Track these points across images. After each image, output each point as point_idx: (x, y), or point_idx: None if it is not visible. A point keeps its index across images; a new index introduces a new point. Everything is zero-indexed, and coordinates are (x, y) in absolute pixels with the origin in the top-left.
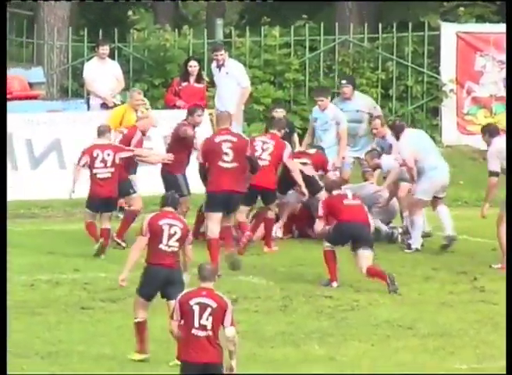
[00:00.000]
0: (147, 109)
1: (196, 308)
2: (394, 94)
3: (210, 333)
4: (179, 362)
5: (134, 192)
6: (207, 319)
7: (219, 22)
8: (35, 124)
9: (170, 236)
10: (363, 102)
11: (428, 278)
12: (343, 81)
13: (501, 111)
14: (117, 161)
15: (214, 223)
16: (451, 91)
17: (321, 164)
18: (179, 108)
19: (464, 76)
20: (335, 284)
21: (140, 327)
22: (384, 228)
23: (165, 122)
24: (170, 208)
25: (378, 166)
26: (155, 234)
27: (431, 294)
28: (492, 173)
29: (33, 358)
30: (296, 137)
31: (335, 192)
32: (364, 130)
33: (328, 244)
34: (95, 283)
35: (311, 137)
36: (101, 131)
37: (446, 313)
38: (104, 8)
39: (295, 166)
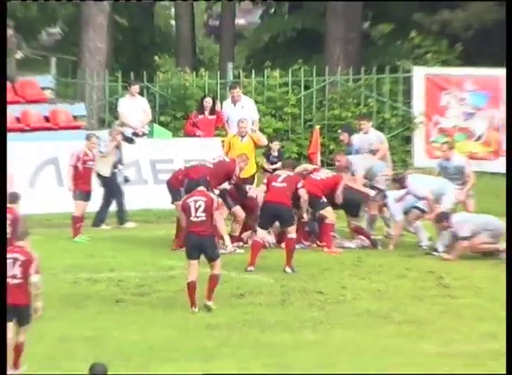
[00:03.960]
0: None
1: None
2: (374, 125)
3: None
4: None
5: None
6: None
7: (230, 65)
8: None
9: (196, 209)
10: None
11: (401, 276)
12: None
13: (462, 139)
14: None
15: None
16: (421, 122)
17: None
18: (198, 136)
19: (431, 111)
20: (250, 268)
21: (191, 286)
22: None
23: (184, 148)
24: (201, 188)
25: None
26: (185, 210)
27: (404, 290)
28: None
29: (77, 342)
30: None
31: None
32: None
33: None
34: (127, 281)
35: None
36: None
37: (417, 305)
38: (134, 53)
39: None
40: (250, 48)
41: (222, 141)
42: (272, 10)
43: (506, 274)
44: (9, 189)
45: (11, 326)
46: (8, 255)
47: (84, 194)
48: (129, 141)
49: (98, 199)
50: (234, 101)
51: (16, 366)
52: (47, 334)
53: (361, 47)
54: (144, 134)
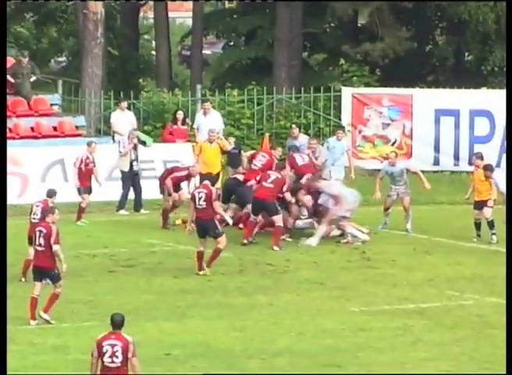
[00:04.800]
0: None
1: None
2: (312, 133)
3: None
4: None
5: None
6: None
7: (198, 86)
8: (81, 153)
9: (199, 199)
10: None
11: (333, 251)
12: (293, 125)
13: (380, 144)
14: None
15: None
16: (348, 130)
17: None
18: (174, 142)
19: (356, 122)
20: (247, 240)
21: (199, 255)
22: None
23: (163, 151)
24: (206, 182)
25: None
26: (193, 199)
27: (335, 262)
28: None
29: (79, 304)
30: (243, 155)
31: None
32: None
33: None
34: (118, 255)
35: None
36: None
37: (345, 274)
38: (124, 77)
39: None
40: (214, 72)
41: (193, 146)
42: (232, 43)
43: (506, 274)
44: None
45: (39, 286)
46: (37, 228)
47: (88, 189)
48: (144, 144)
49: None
50: (205, 113)
51: (46, 311)
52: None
53: (302, 71)
54: (119, 142)
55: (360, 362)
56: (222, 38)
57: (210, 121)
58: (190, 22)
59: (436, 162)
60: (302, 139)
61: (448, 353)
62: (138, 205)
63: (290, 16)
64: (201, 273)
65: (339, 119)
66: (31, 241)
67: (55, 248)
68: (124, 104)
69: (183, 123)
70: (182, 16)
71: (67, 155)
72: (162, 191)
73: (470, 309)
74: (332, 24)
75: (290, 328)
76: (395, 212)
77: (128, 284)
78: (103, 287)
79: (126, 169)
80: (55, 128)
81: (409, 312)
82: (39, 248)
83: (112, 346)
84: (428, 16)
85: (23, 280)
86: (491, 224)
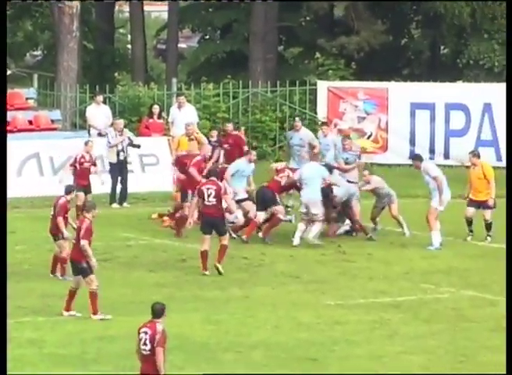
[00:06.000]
0: None
1: None
2: (287, 127)
3: None
4: None
5: None
6: None
7: (174, 80)
8: (57, 146)
9: (209, 195)
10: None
11: (309, 245)
12: (297, 118)
13: (356, 138)
14: None
15: None
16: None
17: None
18: (150, 136)
19: (332, 115)
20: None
21: (204, 254)
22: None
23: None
24: (213, 177)
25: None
26: (200, 195)
27: (311, 256)
28: None
29: (54, 298)
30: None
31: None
32: (306, 153)
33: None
34: (94, 249)
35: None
36: None
37: (320, 267)
38: (99, 71)
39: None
40: (190, 66)
41: (168, 139)
42: (207, 36)
43: (506, 274)
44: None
45: (76, 279)
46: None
47: (83, 188)
48: (138, 147)
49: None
50: (179, 107)
51: (95, 313)
52: (33, 291)
53: (277, 65)
54: (106, 134)
55: (336, 356)
56: (197, 32)
57: (184, 115)
58: (165, 15)
59: (412, 155)
60: (304, 132)
61: (424, 346)
62: (123, 198)
63: (266, 9)
64: (208, 272)
65: (315, 113)
66: (55, 238)
67: (82, 242)
68: (100, 98)
69: (159, 116)
70: (157, 9)
71: (42, 149)
72: (184, 198)
73: (445, 302)
74: (308, 18)
75: (266, 321)
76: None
77: (104, 278)
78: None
79: (114, 160)
80: (30, 122)
81: (385, 306)
82: (74, 241)
83: (145, 334)
84: (404, 9)
85: (52, 276)
86: (489, 226)
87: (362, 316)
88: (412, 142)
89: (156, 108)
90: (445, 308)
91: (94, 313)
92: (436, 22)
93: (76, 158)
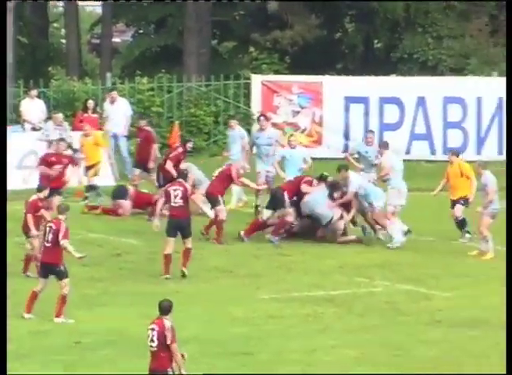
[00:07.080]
0: None
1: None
2: (222, 120)
3: None
4: None
5: None
6: None
7: (108, 74)
8: None
9: (175, 196)
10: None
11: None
12: (261, 117)
13: (290, 131)
14: None
15: None
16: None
17: None
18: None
19: (266, 109)
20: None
21: (167, 258)
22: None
23: (74, 140)
24: (181, 179)
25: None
26: (167, 197)
27: (246, 249)
28: None
29: None
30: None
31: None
32: (273, 151)
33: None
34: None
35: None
36: None
37: (256, 262)
38: (33, 65)
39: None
40: (124, 60)
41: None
42: (141, 31)
43: (506, 273)
44: None
45: (43, 282)
46: (47, 224)
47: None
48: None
49: None
50: (112, 102)
51: (58, 315)
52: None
53: (211, 59)
54: (40, 128)
55: (271, 350)
56: (131, 26)
57: (117, 109)
58: (99, 10)
59: (346, 149)
60: (271, 132)
61: (358, 340)
62: None
63: (200, 4)
64: (169, 275)
65: (249, 107)
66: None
67: (61, 242)
68: (34, 92)
69: (94, 111)
70: (91, 4)
71: None
72: (215, 203)
73: (379, 296)
74: (242, 12)
75: (199, 316)
76: None
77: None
78: (13, 276)
79: None
80: None
81: (319, 299)
82: (47, 244)
83: (152, 330)
84: (338, 3)
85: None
86: (461, 223)
87: (296, 310)
88: (346, 136)
89: (90, 103)
90: (379, 302)
91: (58, 316)
92: (370, 16)
93: (44, 159)
